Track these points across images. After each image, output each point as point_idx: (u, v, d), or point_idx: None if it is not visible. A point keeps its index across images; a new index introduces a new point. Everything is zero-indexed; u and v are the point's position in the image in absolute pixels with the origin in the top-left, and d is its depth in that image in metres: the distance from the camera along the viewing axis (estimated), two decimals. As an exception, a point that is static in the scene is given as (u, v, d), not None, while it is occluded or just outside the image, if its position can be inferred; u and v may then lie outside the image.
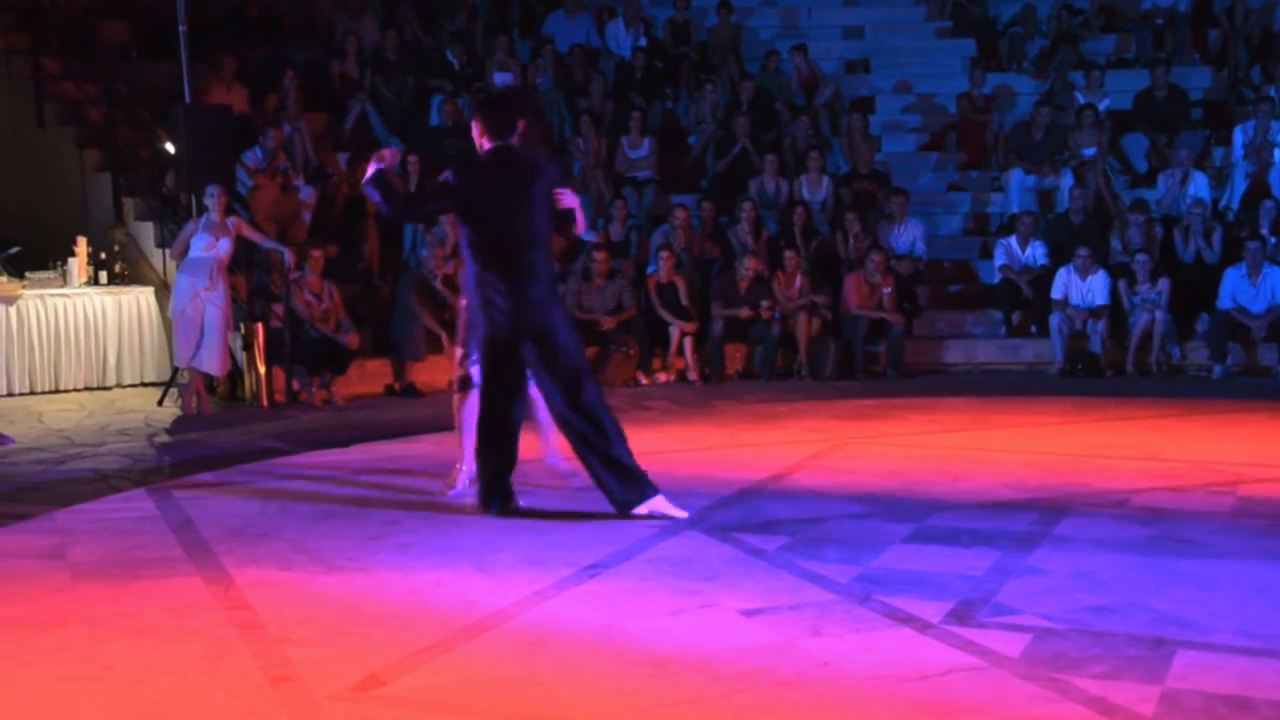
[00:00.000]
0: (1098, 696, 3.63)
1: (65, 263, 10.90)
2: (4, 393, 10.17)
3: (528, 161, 5.84)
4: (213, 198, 9.46)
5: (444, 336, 10.47)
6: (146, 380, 10.79)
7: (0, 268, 10.54)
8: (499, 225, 5.75)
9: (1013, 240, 12.05)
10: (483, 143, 5.87)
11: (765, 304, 11.13)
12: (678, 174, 13.52)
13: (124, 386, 10.71)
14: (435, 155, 12.33)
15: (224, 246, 9.48)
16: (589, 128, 13.02)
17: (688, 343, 11.15)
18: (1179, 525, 5.61)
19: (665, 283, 11.25)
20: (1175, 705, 3.57)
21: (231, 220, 9.62)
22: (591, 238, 11.85)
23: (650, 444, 7.71)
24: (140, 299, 10.94)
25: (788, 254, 11.40)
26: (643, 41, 14.68)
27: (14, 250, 10.74)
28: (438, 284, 10.54)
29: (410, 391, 10.32)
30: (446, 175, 5.89)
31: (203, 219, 9.52)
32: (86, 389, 10.58)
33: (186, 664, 4.00)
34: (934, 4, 15.85)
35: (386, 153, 5.93)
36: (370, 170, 5.80)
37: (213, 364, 9.50)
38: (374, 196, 5.85)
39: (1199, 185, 12.51)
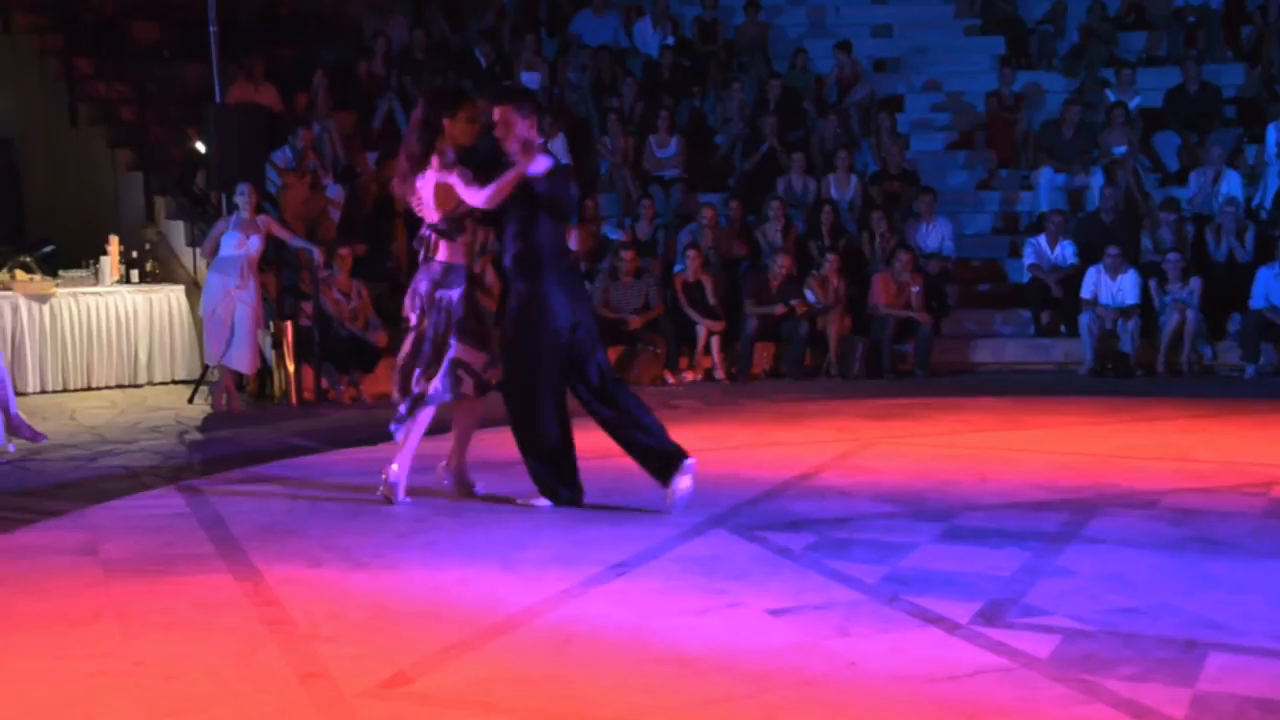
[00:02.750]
0: (1128, 698, 3.60)
1: (97, 261, 11.00)
2: (37, 390, 10.27)
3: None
4: (243, 196, 9.51)
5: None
6: (177, 378, 10.89)
7: (34, 266, 10.64)
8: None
9: (1042, 239, 11.99)
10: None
11: (796, 301, 11.13)
12: (705, 173, 13.52)
13: (155, 384, 10.80)
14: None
15: (254, 245, 9.53)
16: (616, 127, 13.04)
17: (715, 341, 11.15)
18: (1210, 526, 5.57)
19: (692, 281, 11.25)
20: (1207, 708, 3.54)
21: (261, 219, 9.67)
22: (618, 236, 11.87)
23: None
24: (171, 297, 11.02)
25: (829, 257, 11.38)
26: (670, 40, 14.68)
27: (47, 249, 10.85)
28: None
29: (438, 390, 10.33)
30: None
31: (233, 217, 9.57)
32: (118, 386, 10.68)
33: (217, 660, 4.02)
34: (963, 2, 15.79)
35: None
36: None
37: (243, 362, 9.55)
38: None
39: (1231, 183, 12.41)
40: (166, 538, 5.59)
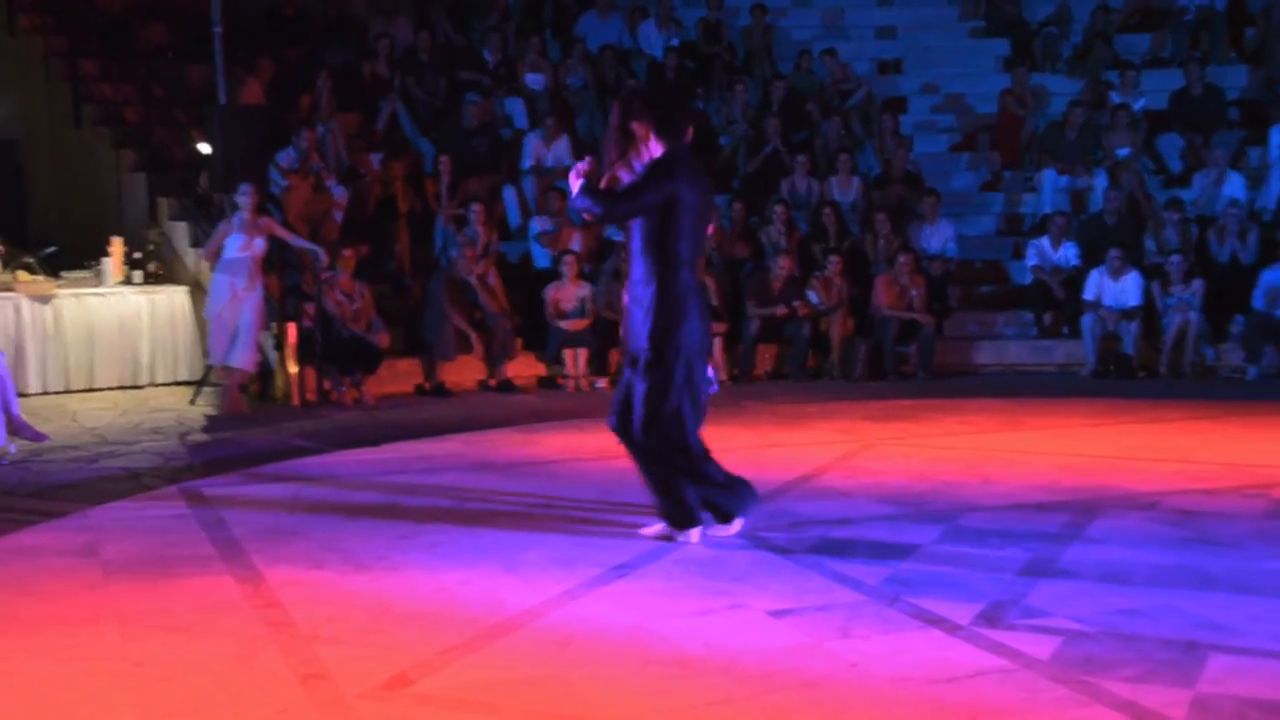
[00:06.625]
0: (1128, 700, 3.60)
1: (100, 262, 10.99)
2: (39, 391, 10.27)
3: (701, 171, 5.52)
4: (245, 196, 9.50)
5: (473, 336, 10.52)
6: (179, 379, 10.87)
7: (36, 266, 10.65)
8: (695, 229, 5.40)
9: (1045, 241, 11.98)
10: (653, 144, 5.47)
11: (798, 303, 11.12)
12: (709, 174, 13.47)
13: (157, 385, 10.79)
14: (465, 156, 12.37)
15: (259, 245, 9.53)
16: (620, 128, 13.02)
17: (717, 343, 11.13)
18: (1211, 528, 5.57)
19: (696, 283, 11.23)
20: (1207, 709, 3.54)
21: (263, 220, 9.67)
22: (621, 237, 11.87)
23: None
24: (174, 298, 11.01)
25: (832, 259, 11.37)
26: (674, 41, 14.68)
27: (50, 249, 10.85)
28: (473, 280, 10.61)
29: (440, 391, 10.36)
30: (626, 173, 5.48)
31: (235, 219, 9.57)
32: (120, 388, 10.67)
33: (217, 662, 4.02)
34: (967, 4, 15.77)
35: (582, 165, 5.45)
36: (576, 184, 5.37)
37: (244, 359, 9.54)
38: (588, 205, 5.35)
39: (1234, 185, 12.41)
40: (167, 539, 5.60)
